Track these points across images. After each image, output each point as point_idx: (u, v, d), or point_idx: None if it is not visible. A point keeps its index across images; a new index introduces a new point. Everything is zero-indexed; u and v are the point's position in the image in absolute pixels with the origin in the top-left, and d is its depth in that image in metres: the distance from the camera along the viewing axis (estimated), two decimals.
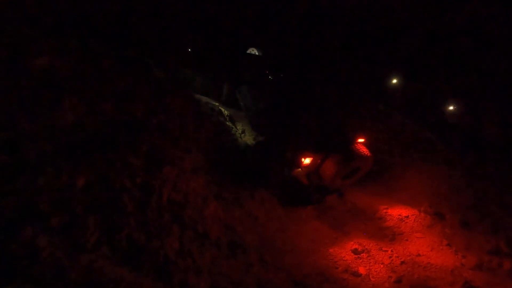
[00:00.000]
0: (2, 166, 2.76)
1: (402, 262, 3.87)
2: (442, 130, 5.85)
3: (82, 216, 2.74)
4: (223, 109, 6.15)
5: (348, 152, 4.89)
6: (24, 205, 2.63)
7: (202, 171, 3.92)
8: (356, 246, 4.13)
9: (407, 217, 4.62)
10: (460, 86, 6.08)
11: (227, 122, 5.91)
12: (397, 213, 4.74)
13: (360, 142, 5.10)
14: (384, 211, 4.88)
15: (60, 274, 2.32)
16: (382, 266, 3.84)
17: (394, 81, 7.41)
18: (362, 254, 4.01)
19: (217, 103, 6.25)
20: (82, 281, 2.37)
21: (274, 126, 6.14)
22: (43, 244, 2.43)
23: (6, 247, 2.28)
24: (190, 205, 3.33)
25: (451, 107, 6.77)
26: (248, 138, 6.17)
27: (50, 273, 2.29)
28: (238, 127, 6.22)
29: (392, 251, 4.07)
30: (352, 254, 4.02)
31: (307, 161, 5.04)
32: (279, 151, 5.57)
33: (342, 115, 6.15)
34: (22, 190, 2.70)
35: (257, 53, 7.22)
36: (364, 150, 4.98)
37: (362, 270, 3.75)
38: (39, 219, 2.59)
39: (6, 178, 2.70)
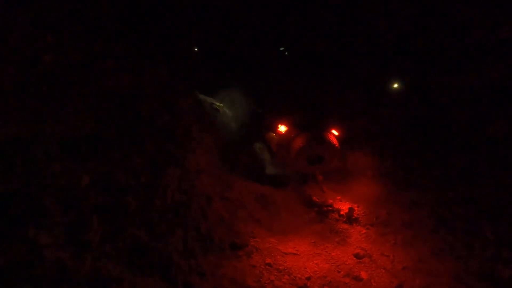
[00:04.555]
0: (5, 163, 2.75)
1: (404, 268, 3.86)
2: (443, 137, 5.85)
3: (86, 215, 2.73)
4: (227, 110, 6.18)
5: (319, 134, 5.11)
6: (27, 203, 2.61)
7: (206, 171, 3.92)
8: (358, 251, 4.13)
9: (410, 222, 4.63)
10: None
11: (232, 124, 5.94)
12: (400, 218, 4.73)
13: (332, 134, 5.32)
14: (387, 215, 4.88)
15: (63, 273, 2.30)
16: (383, 271, 3.84)
17: (395, 85, 7.39)
18: (364, 259, 4.01)
19: (221, 104, 6.27)
20: (85, 281, 2.36)
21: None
22: (46, 243, 2.42)
23: (8, 245, 2.26)
24: (194, 205, 3.33)
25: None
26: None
27: (52, 272, 2.28)
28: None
29: (394, 256, 4.06)
30: (354, 258, 4.02)
31: (282, 128, 5.28)
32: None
33: (332, 108, 6.29)
34: (25, 188, 2.68)
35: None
36: (334, 141, 5.15)
37: (364, 275, 3.75)
38: (42, 217, 2.58)
39: (10, 175, 2.69)
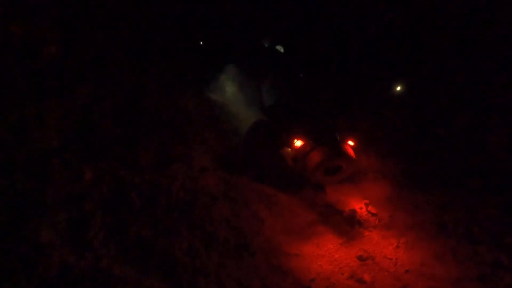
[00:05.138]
0: (6, 158, 2.67)
1: (407, 271, 3.85)
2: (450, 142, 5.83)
3: (89, 212, 2.66)
4: (231, 109, 6.11)
5: (337, 148, 5.08)
6: (28, 199, 2.54)
7: (210, 169, 3.87)
8: (361, 253, 4.11)
9: (412, 225, 4.62)
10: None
11: (236, 123, 5.88)
12: (403, 221, 4.72)
13: (349, 145, 5.30)
14: (390, 218, 4.87)
15: (65, 271, 2.24)
16: (386, 273, 3.82)
17: (398, 88, 7.38)
18: (367, 261, 3.99)
19: (226, 102, 6.21)
20: (88, 280, 2.29)
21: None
22: (47, 240, 2.36)
23: (9, 243, 2.19)
24: (198, 204, 3.29)
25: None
26: None
27: (54, 271, 2.21)
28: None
29: (396, 259, 4.05)
30: (358, 260, 4.00)
31: (298, 143, 5.22)
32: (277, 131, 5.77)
33: (343, 116, 6.23)
34: (27, 183, 2.61)
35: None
36: (351, 153, 5.15)
37: (367, 277, 3.73)
38: (44, 214, 2.51)
39: (10, 170, 2.61)
